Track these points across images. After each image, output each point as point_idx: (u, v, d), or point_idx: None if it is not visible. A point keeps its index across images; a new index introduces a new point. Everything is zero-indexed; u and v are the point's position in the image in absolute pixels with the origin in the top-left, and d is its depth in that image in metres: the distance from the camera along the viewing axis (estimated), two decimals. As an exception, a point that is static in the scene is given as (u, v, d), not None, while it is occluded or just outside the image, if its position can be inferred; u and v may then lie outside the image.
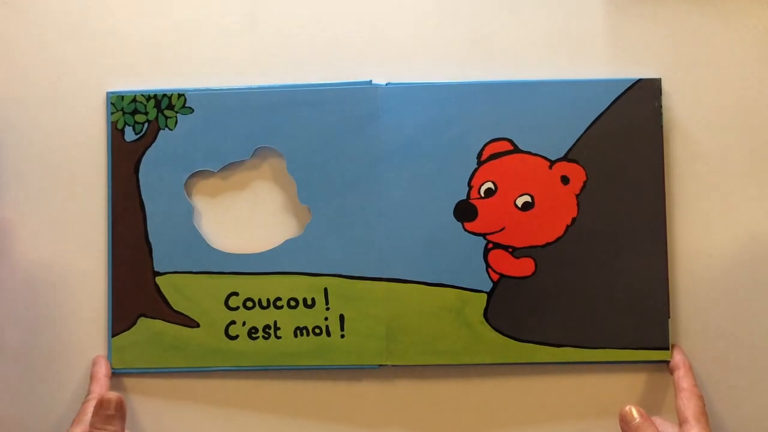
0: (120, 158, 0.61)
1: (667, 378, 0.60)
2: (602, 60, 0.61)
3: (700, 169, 0.61)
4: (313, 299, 0.60)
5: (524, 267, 0.60)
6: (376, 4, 0.62)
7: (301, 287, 0.60)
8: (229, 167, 0.61)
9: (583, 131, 0.60)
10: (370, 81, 0.60)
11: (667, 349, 0.59)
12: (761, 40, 0.61)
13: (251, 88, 0.61)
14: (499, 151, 0.60)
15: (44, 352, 0.61)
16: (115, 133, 0.61)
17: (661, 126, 0.60)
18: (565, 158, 0.60)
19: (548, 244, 0.60)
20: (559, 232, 0.60)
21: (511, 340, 0.59)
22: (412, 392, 0.61)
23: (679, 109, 0.61)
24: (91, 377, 0.59)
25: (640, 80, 0.60)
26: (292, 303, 0.60)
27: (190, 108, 0.61)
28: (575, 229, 0.60)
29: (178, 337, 0.60)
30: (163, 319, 0.60)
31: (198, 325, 0.60)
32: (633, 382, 0.60)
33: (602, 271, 0.60)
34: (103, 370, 0.59)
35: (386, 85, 0.60)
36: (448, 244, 0.60)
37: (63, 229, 0.61)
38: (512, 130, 0.60)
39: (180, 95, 0.61)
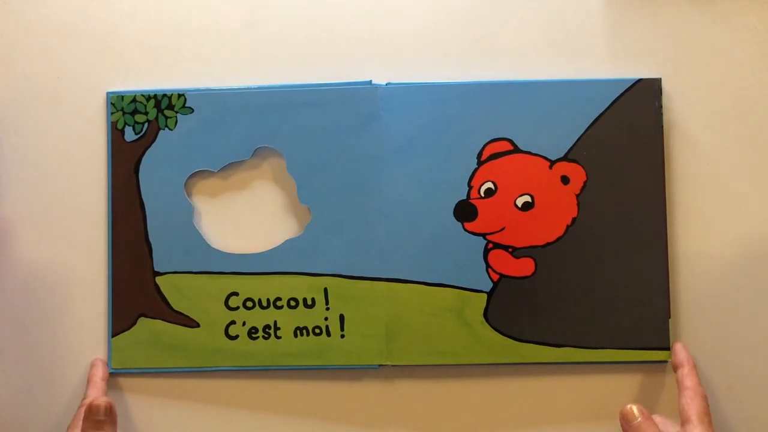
0: (120, 158, 0.61)
1: (667, 378, 0.60)
2: (602, 60, 0.61)
3: (700, 169, 0.61)
4: (313, 299, 0.60)
5: (524, 267, 0.60)
6: (376, 4, 0.62)
7: (301, 287, 0.60)
8: (229, 167, 0.61)
9: (583, 131, 0.60)
10: (370, 81, 0.60)
11: (668, 349, 0.59)
12: (761, 40, 0.61)
13: (251, 88, 0.61)
14: (499, 151, 0.60)
15: (44, 352, 0.61)
16: (115, 133, 0.61)
17: (662, 126, 0.60)
18: (566, 158, 0.60)
19: (548, 244, 0.60)
20: (560, 232, 0.60)
21: (511, 340, 0.59)
22: (412, 392, 0.61)
23: (679, 109, 0.61)
24: (88, 380, 0.59)
25: (640, 80, 0.60)
26: (292, 303, 0.60)
27: (190, 108, 0.60)
28: (575, 229, 0.59)
29: (178, 337, 0.60)
30: (163, 319, 0.60)
31: (198, 325, 0.60)
32: (633, 382, 0.60)
33: (602, 271, 0.59)
34: (99, 374, 0.59)
35: (386, 85, 0.60)
36: (448, 244, 0.59)
37: (63, 229, 0.61)
38: (512, 130, 0.60)
39: (180, 95, 0.61)
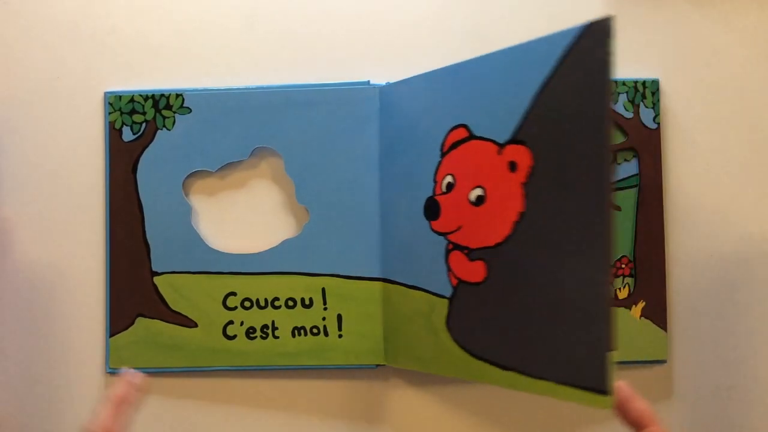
0: (118, 158, 0.61)
1: (666, 378, 0.60)
2: (602, 60, 0.61)
3: (700, 170, 0.61)
4: (310, 299, 0.60)
5: (476, 271, 0.51)
6: (375, 4, 0.62)
7: (298, 287, 0.60)
8: (227, 167, 0.61)
9: (528, 105, 0.48)
10: (368, 81, 0.60)
11: (606, 393, 0.43)
12: (761, 40, 0.61)
13: (249, 89, 0.61)
14: (457, 139, 0.53)
15: (43, 351, 0.61)
16: (113, 133, 0.61)
17: (608, 81, 0.43)
18: (513, 140, 0.49)
19: (498, 244, 0.50)
20: (507, 229, 0.49)
21: (468, 355, 0.52)
22: (411, 392, 0.61)
23: (679, 109, 0.61)
24: (107, 396, 0.49)
25: (589, 26, 0.44)
26: (290, 303, 0.60)
27: (187, 108, 0.60)
28: (522, 226, 0.48)
29: (176, 337, 0.60)
30: (161, 319, 0.60)
31: (196, 325, 0.60)
32: (633, 380, 0.60)
33: (544, 280, 0.47)
34: (119, 394, 0.48)
35: (385, 85, 0.60)
36: (419, 245, 0.55)
37: (61, 229, 0.61)
38: (467, 115, 0.52)
39: (178, 95, 0.61)
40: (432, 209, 0.54)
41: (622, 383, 0.44)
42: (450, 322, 0.53)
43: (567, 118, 0.45)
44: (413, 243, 0.56)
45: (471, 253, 0.51)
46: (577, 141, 0.45)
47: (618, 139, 0.60)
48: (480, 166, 0.51)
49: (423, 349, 0.55)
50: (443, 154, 0.54)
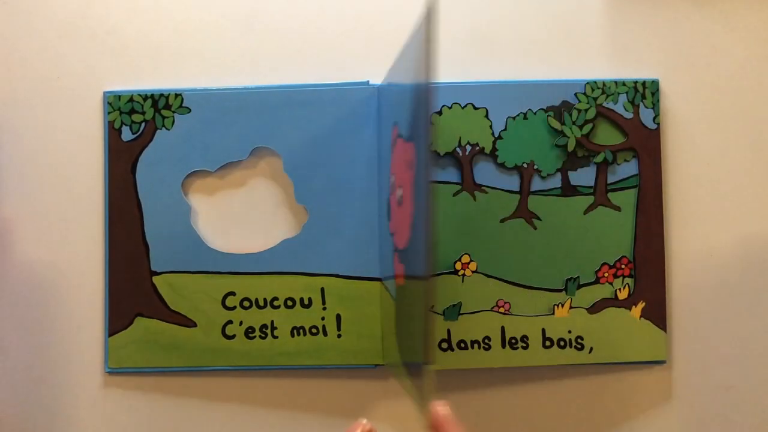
0: (117, 158, 0.61)
1: (666, 378, 0.60)
2: (601, 60, 0.61)
3: (700, 170, 0.61)
4: (309, 299, 0.60)
5: (401, 273, 0.50)
6: (374, 4, 0.62)
7: (297, 287, 0.60)
8: (227, 167, 0.61)
9: (413, 100, 0.46)
10: (368, 81, 0.60)
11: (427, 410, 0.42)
12: (761, 40, 0.61)
13: (248, 88, 0.61)
14: (394, 137, 0.53)
15: (42, 351, 0.61)
16: (112, 133, 0.61)
17: (429, 72, 0.41)
18: (409, 137, 0.47)
19: (406, 247, 0.49)
20: (408, 231, 0.48)
21: (401, 360, 0.51)
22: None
23: (679, 109, 0.61)
24: None
25: (424, 16, 0.41)
26: (289, 303, 0.60)
27: (187, 108, 0.60)
28: (413, 228, 0.47)
29: (175, 337, 0.60)
30: (160, 319, 0.60)
31: (195, 325, 0.60)
32: (633, 380, 0.60)
33: (416, 286, 0.45)
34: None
35: (382, 84, 0.60)
36: (384, 246, 0.57)
37: (60, 229, 0.61)
38: (397, 113, 0.52)
39: (177, 95, 0.61)
40: (387, 210, 0.54)
41: (440, 405, 0.40)
42: (397, 324, 0.52)
43: (422, 114, 0.43)
44: (382, 243, 0.57)
45: (399, 255, 0.51)
46: (420, 139, 0.43)
47: (618, 139, 0.60)
48: (399, 165, 0.51)
49: (391, 350, 0.56)
50: (391, 153, 0.54)
